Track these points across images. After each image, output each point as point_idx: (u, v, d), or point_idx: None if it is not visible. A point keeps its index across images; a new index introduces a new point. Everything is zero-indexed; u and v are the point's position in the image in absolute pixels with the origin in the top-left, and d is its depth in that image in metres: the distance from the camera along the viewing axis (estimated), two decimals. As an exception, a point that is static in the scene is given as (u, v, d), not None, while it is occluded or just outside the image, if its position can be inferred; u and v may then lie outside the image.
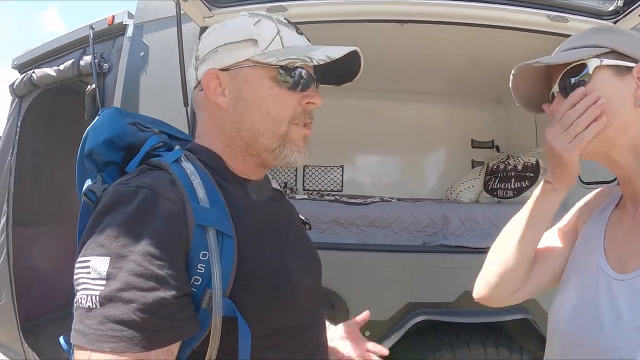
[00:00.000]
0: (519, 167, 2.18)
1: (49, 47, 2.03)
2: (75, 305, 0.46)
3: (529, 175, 2.12)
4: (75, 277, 0.48)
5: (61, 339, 0.60)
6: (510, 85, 0.62)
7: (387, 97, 2.81)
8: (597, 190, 0.69)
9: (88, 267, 0.47)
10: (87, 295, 0.45)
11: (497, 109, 2.98)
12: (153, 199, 0.50)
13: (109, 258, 0.46)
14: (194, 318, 0.49)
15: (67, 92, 2.16)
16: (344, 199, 1.83)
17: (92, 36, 1.81)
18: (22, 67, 2.12)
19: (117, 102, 1.62)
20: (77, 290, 0.47)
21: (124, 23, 1.78)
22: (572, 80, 0.56)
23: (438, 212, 1.54)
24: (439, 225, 1.52)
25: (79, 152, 0.62)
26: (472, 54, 2.10)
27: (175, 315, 0.46)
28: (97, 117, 0.64)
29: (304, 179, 2.87)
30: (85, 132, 0.62)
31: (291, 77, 0.58)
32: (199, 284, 0.50)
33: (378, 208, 1.53)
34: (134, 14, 1.78)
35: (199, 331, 0.50)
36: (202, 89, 0.60)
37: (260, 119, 0.59)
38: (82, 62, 1.84)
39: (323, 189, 2.84)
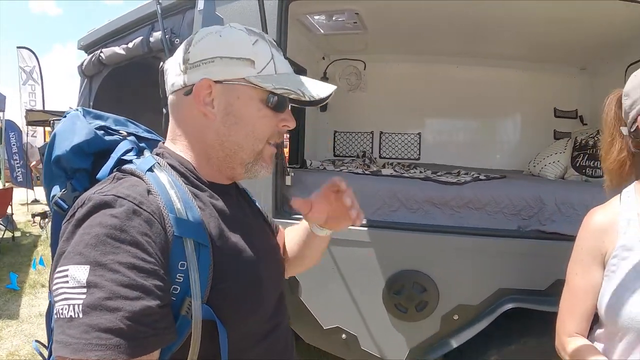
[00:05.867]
0: (614, 144, 2.11)
1: (115, 25, 2.15)
2: (55, 316, 0.48)
3: (625, 153, 2.05)
4: (53, 287, 0.50)
5: (34, 343, 0.65)
6: None
7: (465, 62, 2.79)
8: (596, 212, 0.87)
9: (66, 276, 0.48)
10: (68, 305, 0.47)
11: (581, 75, 2.87)
12: (132, 210, 0.53)
13: (89, 266, 0.48)
14: (173, 327, 0.53)
15: (136, 67, 2.29)
16: (435, 176, 1.86)
17: (160, 11, 1.90)
18: (88, 48, 2.26)
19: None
20: (56, 301, 0.48)
21: (193, -4, 1.84)
22: None
23: (534, 195, 1.54)
24: (534, 209, 1.53)
25: (45, 156, 0.65)
26: (555, 15, 2.02)
27: (158, 323, 0.50)
28: (62, 120, 0.67)
29: (380, 146, 2.95)
30: (52, 135, 0.65)
31: (277, 101, 0.65)
32: (177, 292, 0.55)
33: (472, 188, 1.55)
34: (202, -14, 1.84)
35: (177, 338, 0.54)
36: (187, 94, 0.64)
37: (245, 136, 0.64)
38: (151, 39, 1.93)
39: (400, 156, 2.91)
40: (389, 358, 1.59)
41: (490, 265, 1.49)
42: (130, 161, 0.64)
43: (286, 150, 3.95)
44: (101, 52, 2.15)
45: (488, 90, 2.83)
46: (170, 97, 0.68)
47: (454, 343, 1.51)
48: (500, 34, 2.39)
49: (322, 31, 2.35)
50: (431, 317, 1.51)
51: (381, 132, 2.94)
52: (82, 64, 2.23)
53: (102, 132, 0.67)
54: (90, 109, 0.70)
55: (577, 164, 2.26)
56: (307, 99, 0.65)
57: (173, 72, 0.66)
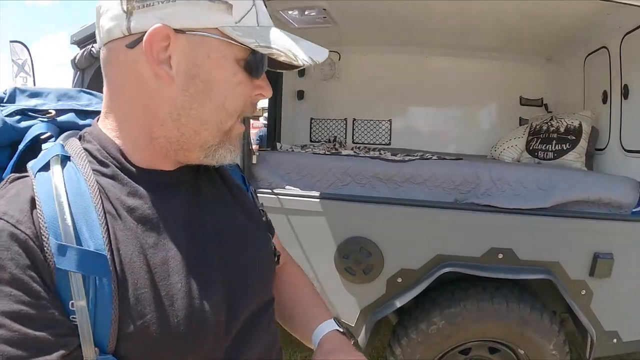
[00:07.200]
0: (561, 129, 2.32)
1: (104, 21, 2.39)
2: None
3: (571, 138, 2.26)
4: None
5: None
6: None
7: (436, 52, 2.98)
8: None
9: None
10: None
11: (547, 66, 3.06)
12: (7, 234, 0.42)
13: None
14: None
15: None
16: (387, 155, 2.09)
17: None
18: (80, 42, 2.49)
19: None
20: None
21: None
22: None
23: (471, 172, 1.76)
24: (471, 185, 1.75)
25: None
26: (525, 8, 2.19)
27: None
28: None
29: (353, 132, 3.18)
30: None
31: (256, 64, 0.50)
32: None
33: (415, 166, 1.77)
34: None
35: None
36: (132, 46, 0.46)
37: (213, 110, 0.49)
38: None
39: (372, 142, 3.15)
40: (343, 318, 1.83)
41: (429, 234, 1.72)
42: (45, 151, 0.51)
43: (253, 132, 4.12)
44: (92, 46, 2.38)
45: (457, 79, 3.02)
46: (103, 51, 0.49)
47: (398, 303, 1.74)
48: (472, 27, 2.57)
49: (296, 25, 2.56)
50: (378, 279, 1.75)
51: (354, 119, 3.16)
52: (74, 57, 2.46)
53: (17, 117, 0.54)
54: (26, 88, 0.57)
55: (530, 148, 2.48)
56: (300, 63, 0.49)
57: (110, 13, 0.47)
